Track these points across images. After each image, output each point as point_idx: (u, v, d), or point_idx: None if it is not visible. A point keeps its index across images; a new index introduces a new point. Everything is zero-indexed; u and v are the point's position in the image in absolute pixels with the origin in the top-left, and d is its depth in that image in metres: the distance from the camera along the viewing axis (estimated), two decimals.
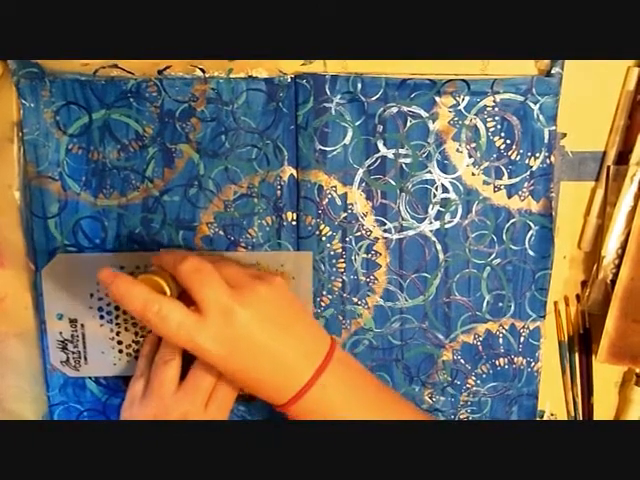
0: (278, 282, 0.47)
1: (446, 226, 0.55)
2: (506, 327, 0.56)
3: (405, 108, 0.53)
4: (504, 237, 0.55)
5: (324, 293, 0.55)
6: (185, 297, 0.45)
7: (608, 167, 0.55)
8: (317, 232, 0.54)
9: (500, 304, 0.56)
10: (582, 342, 0.58)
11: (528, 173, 0.54)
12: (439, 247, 0.55)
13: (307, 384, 0.45)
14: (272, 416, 0.57)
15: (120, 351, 0.55)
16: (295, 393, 0.45)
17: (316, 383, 0.45)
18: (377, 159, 0.53)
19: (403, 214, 0.54)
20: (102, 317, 0.54)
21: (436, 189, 0.54)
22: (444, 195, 0.54)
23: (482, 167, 0.54)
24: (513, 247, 0.55)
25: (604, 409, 0.60)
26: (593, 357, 0.58)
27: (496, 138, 0.53)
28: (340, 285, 0.55)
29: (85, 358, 0.55)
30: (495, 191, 0.54)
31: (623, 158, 0.54)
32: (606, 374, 0.59)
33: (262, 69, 0.52)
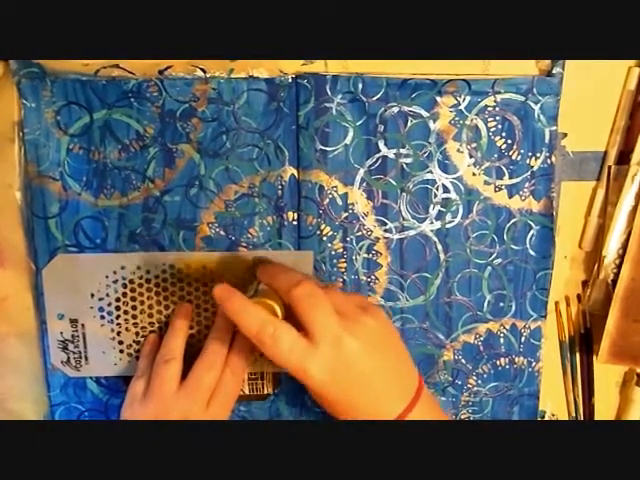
0: (382, 314, 0.47)
1: (447, 226, 0.55)
2: (507, 327, 0.56)
3: (406, 108, 0.53)
4: (505, 237, 0.55)
5: None
6: (290, 319, 0.45)
7: (609, 167, 0.55)
8: (318, 232, 0.54)
9: (501, 304, 0.56)
10: (583, 342, 0.58)
11: (529, 173, 0.54)
12: (440, 247, 0.55)
13: (400, 416, 0.45)
14: (273, 416, 0.57)
15: (121, 351, 0.55)
16: None
17: (408, 415, 0.45)
18: (378, 159, 0.53)
19: (404, 214, 0.54)
20: (103, 317, 0.54)
21: (437, 189, 0.54)
22: (445, 195, 0.54)
23: (483, 167, 0.54)
24: (514, 247, 0.55)
25: (605, 409, 0.60)
26: (594, 357, 0.58)
27: (497, 138, 0.53)
28: (341, 285, 0.55)
29: (86, 358, 0.55)
30: (496, 191, 0.54)
31: (624, 158, 0.54)
32: (607, 374, 0.59)
33: (263, 69, 0.52)
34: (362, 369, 0.44)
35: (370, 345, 0.45)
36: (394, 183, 0.54)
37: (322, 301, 0.44)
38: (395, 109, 0.53)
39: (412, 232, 0.55)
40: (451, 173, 0.54)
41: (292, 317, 0.45)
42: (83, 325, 0.54)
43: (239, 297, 0.44)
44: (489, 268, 0.55)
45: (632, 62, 0.53)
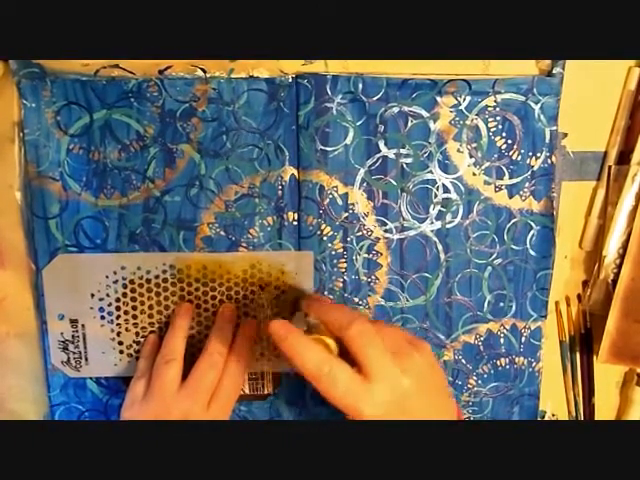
0: (427, 348, 0.47)
1: (447, 226, 0.55)
2: (507, 327, 0.56)
3: (406, 108, 0.53)
4: (505, 237, 0.55)
5: (325, 293, 0.55)
6: (343, 353, 0.45)
7: (609, 167, 0.55)
8: (318, 232, 0.54)
9: (501, 304, 0.56)
10: (583, 342, 0.58)
11: (529, 173, 0.54)
12: (440, 247, 0.55)
13: None
14: (273, 416, 0.57)
15: (121, 351, 0.55)
16: None
17: None
18: (378, 159, 0.53)
19: (404, 214, 0.54)
20: (103, 317, 0.54)
21: (437, 189, 0.54)
22: (445, 195, 0.54)
23: (483, 167, 0.54)
24: (514, 247, 0.55)
25: (605, 409, 0.60)
26: (594, 357, 0.58)
27: (497, 138, 0.53)
28: (341, 285, 0.55)
29: (86, 358, 0.55)
30: (496, 191, 0.54)
31: (624, 158, 0.54)
32: (607, 374, 0.60)
33: (263, 69, 0.52)
34: (411, 405, 0.44)
35: (419, 381, 0.45)
36: (394, 183, 0.54)
37: (375, 339, 0.44)
38: (395, 109, 0.53)
39: (412, 232, 0.55)
40: (451, 173, 0.54)
41: (344, 351, 0.45)
42: (83, 325, 0.54)
43: (297, 335, 0.44)
44: (489, 268, 0.55)
45: (632, 62, 0.53)
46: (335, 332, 0.46)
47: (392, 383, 0.43)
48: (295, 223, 0.54)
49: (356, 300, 0.55)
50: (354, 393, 0.43)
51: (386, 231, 0.54)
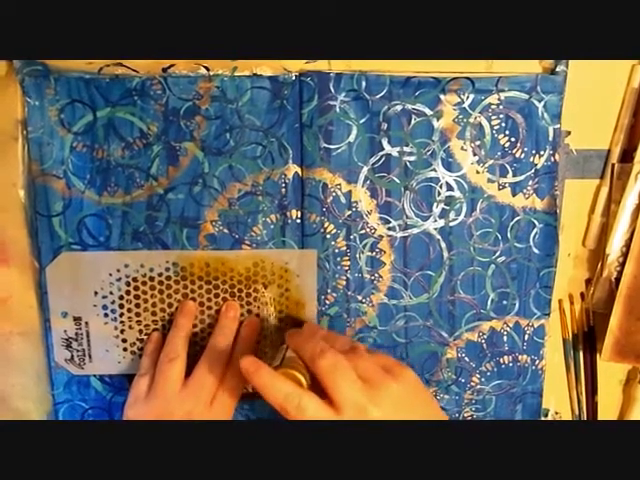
0: (409, 375, 0.47)
1: (450, 224, 0.55)
2: (510, 325, 0.56)
3: (409, 106, 0.53)
4: (508, 235, 0.55)
5: (329, 291, 0.55)
6: (316, 384, 0.45)
7: (613, 165, 0.55)
8: (321, 230, 0.54)
9: (504, 302, 0.56)
10: (586, 340, 0.58)
11: (532, 171, 0.54)
12: (443, 245, 0.55)
13: None
14: (275, 415, 0.57)
15: (124, 349, 0.55)
16: None
17: None
18: (381, 157, 0.53)
19: (407, 212, 0.54)
20: (106, 315, 0.54)
21: (440, 187, 0.54)
22: (448, 193, 0.54)
23: (486, 165, 0.54)
24: (518, 245, 0.55)
25: (608, 407, 0.60)
26: (597, 355, 0.58)
27: (501, 136, 0.53)
28: (344, 283, 0.55)
29: (89, 356, 0.55)
30: (500, 189, 0.54)
31: (627, 156, 0.54)
32: (610, 372, 0.60)
33: (266, 67, 0.52)
34: None
35: (394, 409, 0.45)
36: (398, 181, 0.54)
37: (345, 371, 0.44)
38: (399, 107, 0.53)
39: (416, 230, 0.55)
40: (455, 171, 0.54)
41: (319, 383, 0.45)
42: (87, 323, 0.54)
43: (265, 371, 0.45)
44: (493, 266, 0.55)
45: (636, 60, 0.53)
46: (307, 364, 0.46)
47: (361, 414, 0.43)
48: (298, 221, 0.54)
49: (359, 298, 0.55)
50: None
51: (389, 229, 0.54)
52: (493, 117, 0.53)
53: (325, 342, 0.47)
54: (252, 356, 0.45)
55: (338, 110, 0.52)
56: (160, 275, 0.54)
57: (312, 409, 0.43)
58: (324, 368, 0.44)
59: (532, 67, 0.53)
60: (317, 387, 0.45)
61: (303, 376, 0.46)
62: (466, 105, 0.53)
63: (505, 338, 0.57)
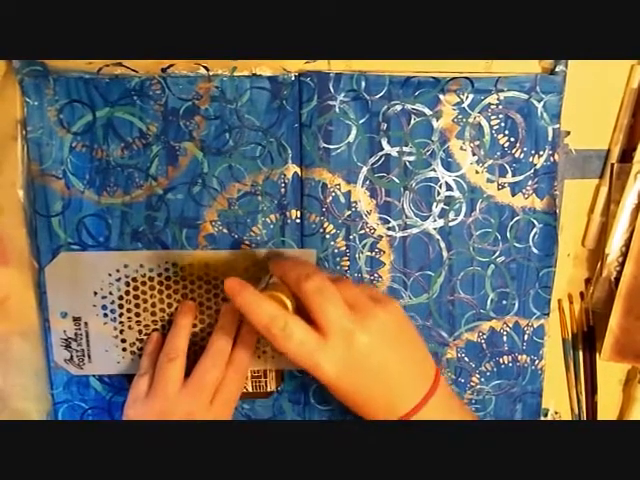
0: (395, 306, 0.47)
1: (450, 224, 0.55)
2: (510, 325, 0.56)
3: (409, 106, 0.53)
4: (508, 235, 0.55)
5: None
6: (301, 311, 0.45)
7: (612, 165, 0.55)
8: (321, 230, 0.54)
9: (504, 302, 0.56)
10: (586, 340, 0.58)
11: (532, 171, 0.54)
12: (443, 245, 0.55)
13: (416, 407, 0.45)
14: (276, 414, 0.57)
15: (124, 349, 0.55)
16: (403, 415, 0.45)
17: (424, 407, 0.45)
18: (381, 157, 0.53)
19: (407, 212, 0.54)
20: (106, 315, 0.54)
21: (440, 187, 0.54)
22: (448, 193, 0.54)
23: (486, 165, 0.54)
24: (517, 245, 0.55)
25: (608, 407, 0.60)
26: (597, 355, 0.58)
27: (500, 136, 0.53)
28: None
29: (89, 356, 0.55)
30: (499, 189, 0.54)
31: (627, 156, 0.54)
32: (610, 372, 0.60)
33: (266, 67, 0.52)
34: (374, 362, 0.44)
35: (382, 337, 0.45)
36: (397, 181, 0.54)
37: (332, 294, 0.44)
38: (398, 107, 0.53)
39: (415, 230, 0.55)
40: (454, 171, 0.54)
41: (303, 310, 0.45)
42: (86, 323, 0.54)
43: (250, 291, 0.44)
44: (492, 266, 0.55)
45: (635, 60, 0.53)
46: (292, 288, 0.45)
47: (348, 339, 0.43)
48: (298, 221, 0.54)
49: None
50: (309, 348, 0.43)
51: (389, 229, 0.54)
52: (492, 117, 0.53)
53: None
54: (236, 277, 0.44)
55: (337, 110, 0.52)
56: (160, 275, 0.54)
57: (299, 333, 0.43)
58: (310, 291, 0.44)
59: (531, 67, 0.53)
60: (303, 315, 0.44)
61: (289, 300, 0.45)
62: (465, 105, 0.53)
63: (505, 338, 0.57)
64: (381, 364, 0.45)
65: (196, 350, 0.54)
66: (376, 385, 0.45)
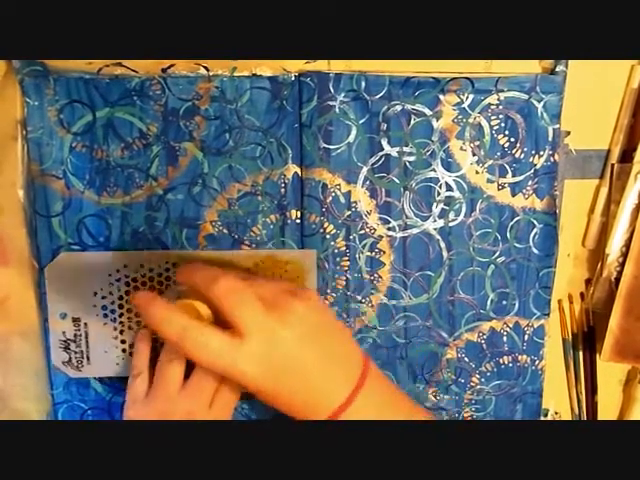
0: (313, 296, 0.46)
1: (450, 224, 0.55)
2: (510, 325, 0.56)
3: (409, 106, 0.53)
4: (508, 235, 0.55)
5: (328, 291, 0.55)
6: (218, 320, 0.44)
7: (612, 165, 0.55)
8: (321, 230, 0.54)
9: (504, 302, 0.56)
10: (586, 340, 0.58)
11: (532, 171, 0.54)
12: (443, 245, 0.55)
13: (345, 403, 0.44)
14: (275, 414, 0.57)
15: (123, 350, 0.55)
16: (331, 412, 0.44)
17: (355, 400, 0.44)
18: (381, 157, 0.53)
19: (407, 212, 0.54)
20: (106, 316, 0.54)
21: (440, 187, 0.54)
22: (448, 193, 0.54)
23: (486, 165, 0.54)
24: (517, 245, 0.55)
25: (608, 407, 0.60)
26: (597, 355, 0.58)
27: (500, 136, 0.53)
28: (344, 283, 0.55)
29: (88, 358, 0.55)
30: (499, 189, 0.54)
31: (627, 156, 0.54)
32: (610, 372, 0.60)
33: (266, 67, 0.52)
34: (296, 357, 0.43)
35: (302, 331, 0.43)
36: (397, 181, 0.54)
37: (245, 294, 0.43)
38: (398, 107, 0.53)
39: (415, 230, 0.55)
40: (454, 171, 0.54)
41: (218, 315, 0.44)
42: (86, 324, 0.54)
43: (158, 304, 0.42)
44: (492, 266, 0.55)
45: (635, 60, 0.53)
46: (203, 293, 0.44)
47: (268, 336, 0.42)
48: (298, 221, 0.54)
49: (359, 298, 0.55)
50: (228, 355, 0.42)
51: (389, 229, 0.54)
52: (492, 117, 0.53)
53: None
54: (145, 291, 0.43)
55: (337, 110, 0.52)
56: (160, 276, 0.54)
57: (214, 341, 0.42)
58: (220, 293, 0.42)
59: (532, 67, 0.53)
60: (221, 322, 0.43)
61: (202, 307, 0.44)
62: (465, 105, 0.53)
63: (505, 338, 0.57)
64: (302, 359, 0.43)
65: None
66: (299, 381, 0.44)
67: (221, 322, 0.43)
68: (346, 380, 0.45)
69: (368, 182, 0.54)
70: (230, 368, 0.42)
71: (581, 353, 0.59)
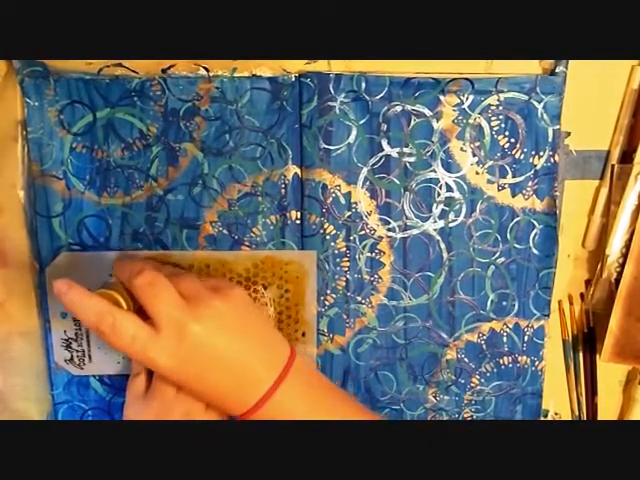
0: (236, 293, 0.47)
1: (450, 225, 0.55)
2: (510, 326, 0.56)
3: (409, 107, 0.53)
4: (508, 236, 0.55)
5: (328, 292, 0.55)
6: (143, 312, 0.45)
7: (612, 166, 0.55)
8: (321, 231, 0.54)
9: (504, 303, 0.56)
10: (586, 341, 0.58)
11: (532, 172, 0.54)
12: (443, 246, 0.55)
13: (266, 394, 0.45)
14: None
15: None
16: (255, 403, 0.45)
17: (275, 392, 0.45)
18: (381, 158, 0.53)
19: (407, 213, 0.54)
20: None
21: (440, 188, 0.54)
22: (448, 194, 0.54)
23: (486, 166, 0.54)
24: (517, 246, 0.55)
25: (608, 408, 0.60)
26: (597, 356, 0.58)
27: (500, 137, 0.53)
28: (344, 284, 0.55)
29: (89, 356, 0.55)
30: (499, 190, 0.54)
31: (627, 157, 0.54)
32: (610, 373, 0.60)
33: (266, 68, 0.52)
34: (211, 351, 0.44)
35: (217, 326, 0.44)
36: (397, 182, 0.54)
37: (164, 287, 0.44)
38: (398, 108, 0.53)
39: (415, 231, 0.55)
40: (454, 172, 0.54)
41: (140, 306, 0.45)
42: None
43: (76, 290, 0.43)
44: (492, 267, 0.55)
45: (635, 61, 0.53)
46: (126, 285, 0.45)
47: (180, 331, 0.43)
48: (298, 222, 0.54)
49: (359, 299, 0.55)
50: (141, 343, 0.43)
51: (389, 230, 0.54)
52: (493, 118, 0.53)
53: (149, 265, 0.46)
54: (65, 279, 0.44)
55: (338, 111, 0.52)
56: None
57: (129, 328, 0.43)
58: (141, 285, 0.44)
59: (532, 68, 0.53)
60: (144, 315, 0.44)
61: (122, 298, 0.45)
62: (466, 106, 0.53)
63: (505, 339, 0.57)
64: (218, 354, 0.44)
65: None
66: (217, 375, 0.45)
67: (146, 315, 0.44)
68: (268, 370, 0.46)
69: (368, 183, 0.54)
70: (143, 356, 0.43)
71: (581, 354, 0.59)
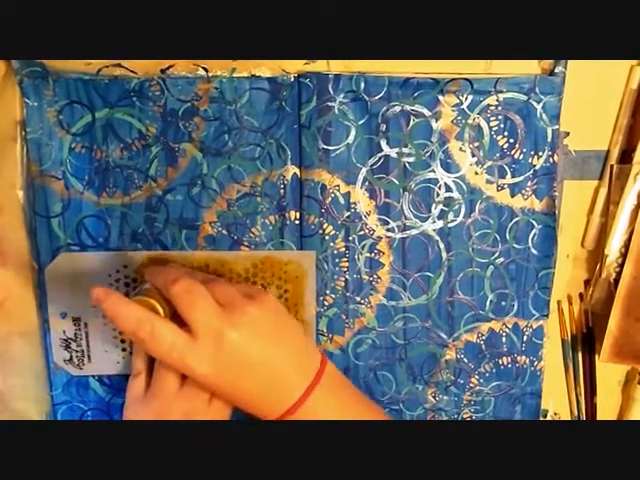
0: (269, 299, 0.47)
1: (449, 225, 0.55)
2: (509, 326, 0.56)
3: (408, 107, 0.53)
4: (507, 236, 0.55)
5: (327, 292, 0.55)
6: (179, 317, 0.45)
7: (611, 166, 0.55)
8: (320, 231, 0.54)
9: (503, 303, 0.56)
10: (585, 341, 0.58)
11: (531, 172, 0.54)
12: (442, 246, 0.55)
13: (299, 400, 0.46)
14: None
15: (124, 349, 0.55)
16: (287, 409, 0.46)
17: (308, 398, 0.46)
18: (380, 158, 0.53)
19: (406, 213, 0.54)
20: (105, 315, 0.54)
21: (439, 188, 0.54)
22: (447, 194, 0.54)
23: (485, 166, 0.54)
24: (516, 246, 0.55)
25: (607, 408, 0.60)
26: (596, 356, 0.58)
27: (499, 137, 0.53)
28: (343, 284, 0.55)
29: (89, 357, 0.55)
30: (498, 190, 0.54)
31: (626, 157, 0.54)
32: (609, 373, 0.59)
33: (265, 68, 0.52)
34: (247, 358, 0.45)
35: (252, 333, 0.45)
36: (396, 182, 0.54)
37: (201, 295, 0.44)
38: (397, 108, 0.53)
39: (414, 231, 0.55)
40: (453, 172, 0.54)
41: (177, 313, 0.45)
42: (86, 324, 0.54)
43: (116, 297, 0.44)
44: (491, 267, 0.55)
45: (634, 61, 0.53)
46: (163, 293, 0.46)
47: (217, 338, 0.44)
48: (297, 222, 0.54)
49: (358, 299, 0.55)
50: (179, 350, 0.43)
51: (388, 230, 0.54)
52: (492, 118, 0.53)
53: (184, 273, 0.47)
54: (102, 286, 0.44)
55: (337, 111, 0.52)
56: None
57: (167, 335, 0.43)
58: (178, 293, 0.44)
59: (531, 68, 0.53)
60: (179, 320, 0.44)
61: (160, 305, 0.45)
62: (465, 106, 0.53)
63: (504, 339, 0.57)
64: (253, 360, 0.45)
65: None
66: (253, 381, 0.45)
67: (180, 321, 0.45)
68: (301, 377, 0.46)
69: (367, 183, 0.54)
70: (181, 364, 0.44)
71: (580, 354, 0.59)
